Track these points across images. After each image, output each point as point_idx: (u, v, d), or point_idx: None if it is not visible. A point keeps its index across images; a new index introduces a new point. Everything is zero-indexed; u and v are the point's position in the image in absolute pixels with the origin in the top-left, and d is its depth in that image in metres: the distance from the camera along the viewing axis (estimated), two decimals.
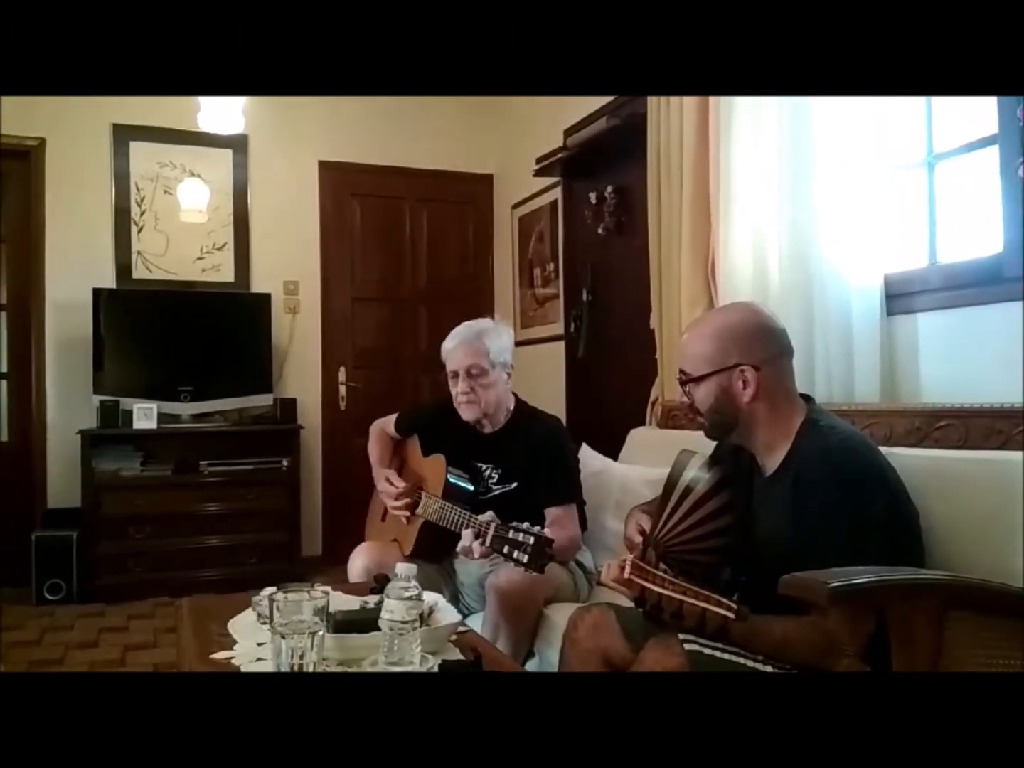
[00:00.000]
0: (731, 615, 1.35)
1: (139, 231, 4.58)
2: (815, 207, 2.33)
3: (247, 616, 1.74)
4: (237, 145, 4.67)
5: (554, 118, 4.31)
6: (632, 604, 1.56)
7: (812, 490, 1.47)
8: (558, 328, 4.41)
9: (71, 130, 4.44)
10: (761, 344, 1.59)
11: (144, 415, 4.22)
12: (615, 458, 2.86)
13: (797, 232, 2.39)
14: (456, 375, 2.41)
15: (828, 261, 2.30)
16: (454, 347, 2.42)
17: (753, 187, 2.57)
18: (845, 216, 2.27)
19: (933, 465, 1.68)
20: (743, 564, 1.58)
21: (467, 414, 2.42)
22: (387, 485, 2.50)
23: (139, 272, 4.57)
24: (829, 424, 1.57)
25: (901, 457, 1.62)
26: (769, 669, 1.43)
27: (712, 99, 2.73)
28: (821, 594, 1.19)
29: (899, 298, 2.24)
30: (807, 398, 1.66)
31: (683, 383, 1.67)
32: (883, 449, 1.59)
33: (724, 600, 1.37)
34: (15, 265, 4.47)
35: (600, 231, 3.80)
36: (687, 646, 1.43)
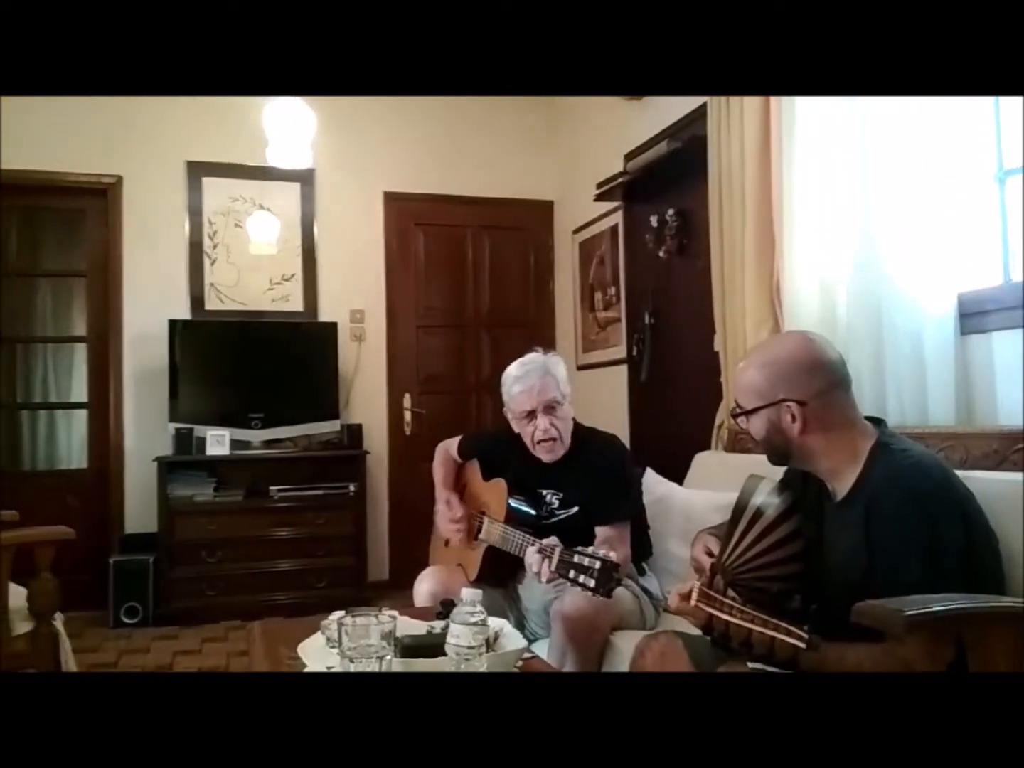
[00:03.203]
0: (802, 645, 1.32)
1: (212, 264, 4.73)
2: (883, 225, 2.29)
3: (316, 640, 1.76)
4: (304, 178, 4.79)
5: (613, 143, 4.32)
6: (699, 632, 1.54)
7: (885, 515, 1.44)
8: (620, 351, 4.40)
9: (147, 168, 4.62)
10: (808, 379, 1.57)
11: (217, 442, 4.34)
12: (680, 483, 2.83)
13: (865, 251, 2.35)
14: (532, 414, 2.32)
15: (898, 280, 2.25)
16: (527, 386, 2.31)
17: (817, 206, 2.54)
18: (915, 234, 2.22)
19: (1012, 489, 1.62)
20: (813, 591, 1.55)
21: (549, 455, 2.35)
22: (445, 508, 2.54)
23: (211, 303, 4.72)
24: (901, 447, 1.53)
25: (978, 481, 1.57)
26: None
27: (773, 118, 2.71)
28: (897, 623, 1.16)
29: (973, 317, 2.18)
30: (877, 421, 1.62)
31: (735, 416, 1.69)
32: (959, 473, 1.55)
33: (794, 629, 1.34)
34: (95, 299, 4.65)
35: (662, 254, 3.78)
36: None
